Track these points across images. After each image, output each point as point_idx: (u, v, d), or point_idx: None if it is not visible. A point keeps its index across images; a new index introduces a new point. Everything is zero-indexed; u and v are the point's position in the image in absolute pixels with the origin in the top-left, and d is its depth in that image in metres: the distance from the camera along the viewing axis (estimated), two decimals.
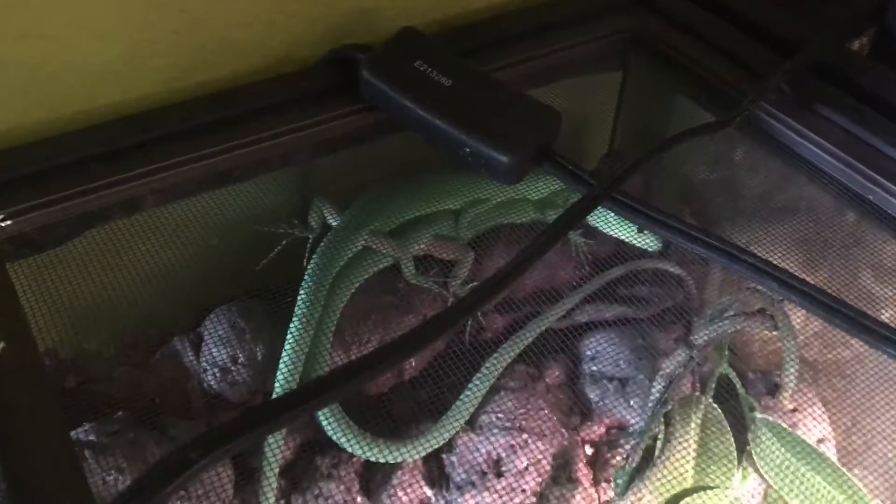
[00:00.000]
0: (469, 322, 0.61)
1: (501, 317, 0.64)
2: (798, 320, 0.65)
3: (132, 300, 0.58)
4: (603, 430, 0.60)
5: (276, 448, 0.51)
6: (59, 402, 0.53)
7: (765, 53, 0.61)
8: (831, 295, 0.45)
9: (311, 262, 0.56)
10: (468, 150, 0.50)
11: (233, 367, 0.55)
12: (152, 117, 0.52)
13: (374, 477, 0.57)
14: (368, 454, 0.54)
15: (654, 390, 0.56)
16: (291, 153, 0.54)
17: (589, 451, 0.59)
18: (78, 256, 0.54)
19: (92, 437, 0.50)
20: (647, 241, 0.64)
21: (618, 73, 0.70)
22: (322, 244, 0.57)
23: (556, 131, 0.52)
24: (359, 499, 0.55)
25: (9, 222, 0.46)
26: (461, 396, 0.58)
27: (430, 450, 0.55)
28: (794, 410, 0.60)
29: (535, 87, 0.62)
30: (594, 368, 0.61)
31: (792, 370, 0.58)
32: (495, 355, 0.60)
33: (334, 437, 0.53)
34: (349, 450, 0.54)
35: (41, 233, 0.48)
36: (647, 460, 0.55)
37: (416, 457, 0.55)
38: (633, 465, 0.54)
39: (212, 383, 0.55)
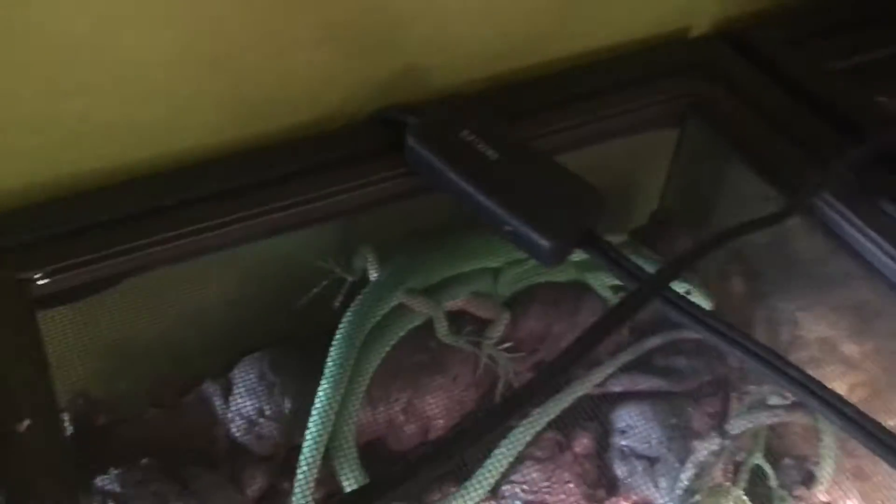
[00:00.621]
0: (502, 381, 0.61)
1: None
2: (842, 389, 0.63)
3: (167, 342, 0.59)
4: None
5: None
6: (86, 448, 0.54)
7: (827, 132, 0.58)
8: (877, 423, 0.43)
9: (345, 318, 0.56)
10: (509, 228, 0.49)
11: (259, 420, 0.55)
12: (193, 176, 0.52)
13: None
14: None
15: (683, 476, 0.55)
16: (332, 216, 0.53)
17: None
18: (114, 298, 0.54)
19: (115, 487, 0.50)
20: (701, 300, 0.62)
21: (674, 130, 0.68)
22: (357, 301, 0.57)
23: (600, 214, 0.50)
24: None
25: (45, 280, 0.46)
26: (486, 462, 0.57)
27: None
28: None
29: (588, 147, 0.61)
30: (624, 443, 0.60)
31: (828, 466, 0.56)
32: (525, 422, 0.59)
33: None
34: None
35: (76, 290, 0.48)
36: None
37: None
38: None
39: (237, 434, 0.55)
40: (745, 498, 0.55)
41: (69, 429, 0.54)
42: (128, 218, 0.50)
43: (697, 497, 0.54)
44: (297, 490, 0.52)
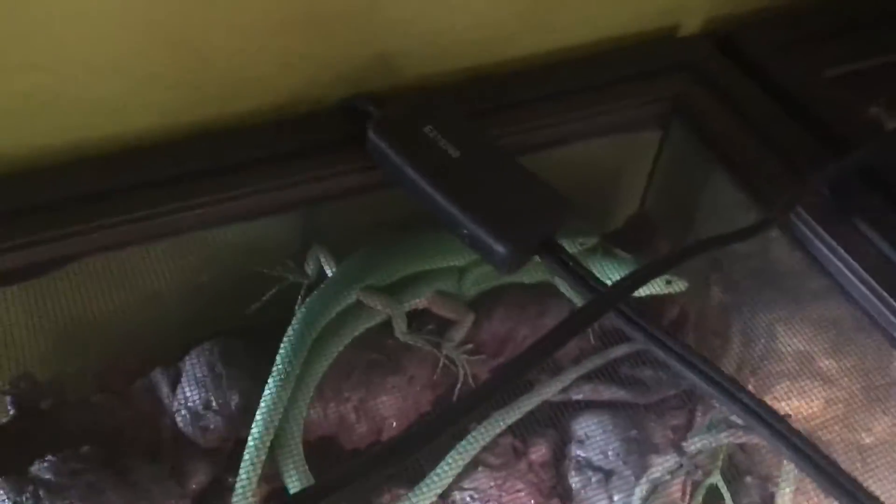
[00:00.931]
0: (460, 384, 0.59)
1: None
2: (817, 405, 0.61)
3: (118, 326, 0.57)
4: None
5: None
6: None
7: (810, 142, 0.56)
8: (826, 456, 0.41)
9: (298, 314, 0.54)
10: (466, 232, 0.47)
11: (205, 413, 0.54)
12: (147, 158, 0.50)
13: None
14: None
15: (637, 493, 0.54)
16: (290, 206, 0.52)
17: None
18: (66, 279, 0.53)
19: (50, 476, 0.49)
20: (676, 286, 0.60)
21: (657, 132, 0.66)
22: (312, 297, 0.55)
23: (563, 221, 0.48)
24: None
25: None
26: (439, 466, 0.56)
27: None
28: None
29: (565, 146, 0.59)
30: (581, 454, 0.58)
31: (788, 489, 0.55)
32: (481, 426, 0.57)
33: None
34: None
35: (18, 271, 0.47)
36: None
37: None
38: None
39: (182, 426, 0.54)
40: None
41: (10, 411, 0.53)
42: (76, 199, 0.49)
43: None
44: (238, 487, 0.51)
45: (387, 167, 0.49)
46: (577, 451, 0.58)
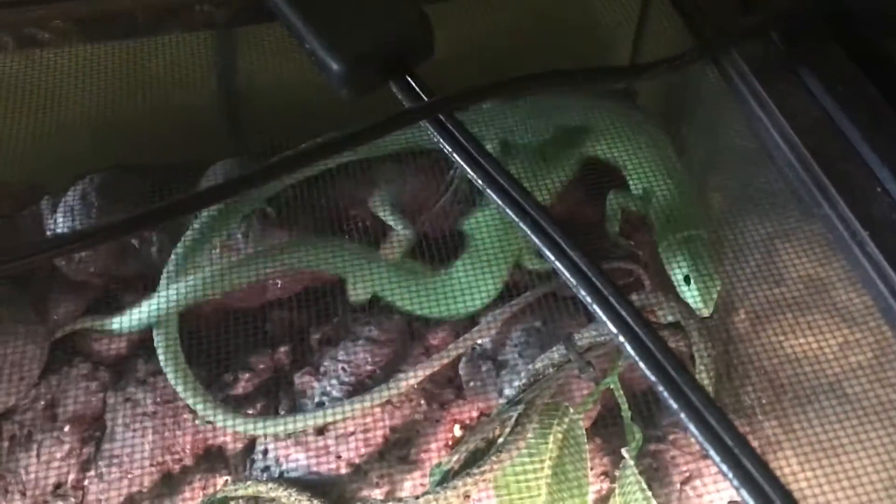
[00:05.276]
0: None
1: None
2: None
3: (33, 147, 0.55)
4: (475, 413, 0.50)
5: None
6: None
7: None
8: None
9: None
10: (308, 48, 0.41)
11: None
12: None
13: None
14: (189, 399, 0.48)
15: (516, 383, 0.46)
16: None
17: (459, 432, 0.51)
18: None
19: None
20: (695, 297, 0.48)
21: None
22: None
23: (422, 48, 0.41)
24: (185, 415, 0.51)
25: None
26: None
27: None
28: None
29: None
30: (478, 342, 0.51)
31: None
32: None
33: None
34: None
35: None
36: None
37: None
38: (451, 464, 0.44)
39: None
40: (580, 423, 0.45)
41: None
42: None
43: (520, 408, 0.44)
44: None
45: None
46: (475, 338, 0.51)
